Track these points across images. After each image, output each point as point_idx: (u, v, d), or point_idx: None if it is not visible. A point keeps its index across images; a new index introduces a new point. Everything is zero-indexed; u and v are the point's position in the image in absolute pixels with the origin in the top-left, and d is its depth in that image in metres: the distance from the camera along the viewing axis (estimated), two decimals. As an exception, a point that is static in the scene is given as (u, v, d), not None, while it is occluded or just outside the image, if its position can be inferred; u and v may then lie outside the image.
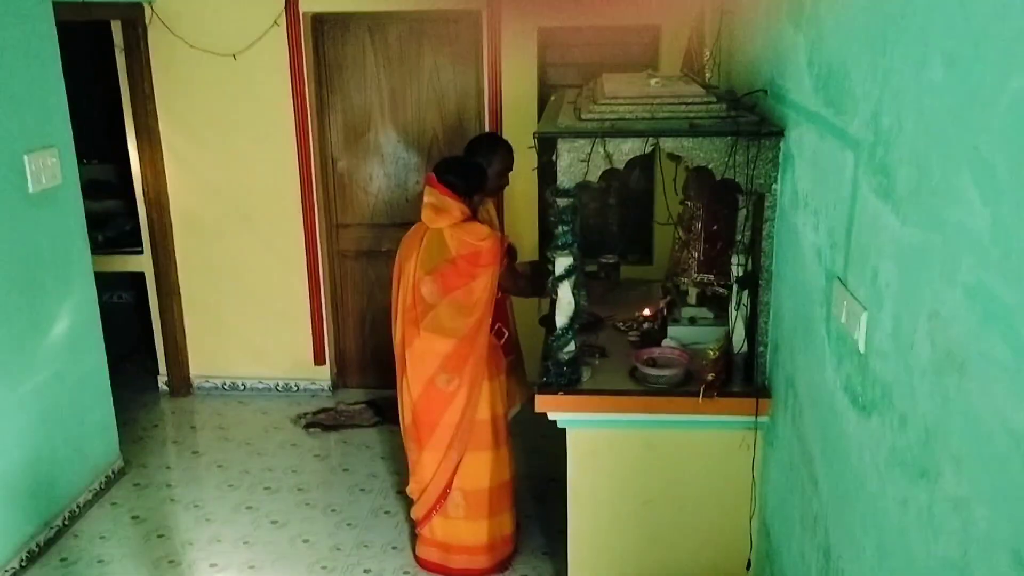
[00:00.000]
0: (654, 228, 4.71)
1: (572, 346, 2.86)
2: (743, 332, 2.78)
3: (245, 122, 4.68)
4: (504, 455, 3.40)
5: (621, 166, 2.68)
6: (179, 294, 4.99)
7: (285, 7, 4.46)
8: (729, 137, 2.60)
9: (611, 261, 3.80)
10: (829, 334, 2.08)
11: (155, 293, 4.97)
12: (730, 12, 3.37)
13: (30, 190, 3.57)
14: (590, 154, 2.66)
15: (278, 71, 4.57)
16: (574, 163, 2.68)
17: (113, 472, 4.19)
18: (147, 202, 4.78)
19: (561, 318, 2.82)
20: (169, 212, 4.84)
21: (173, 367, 5.09)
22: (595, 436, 2.93)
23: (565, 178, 2.70)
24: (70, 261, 3.90)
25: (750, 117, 2.69)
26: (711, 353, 2.76)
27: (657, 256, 4.68)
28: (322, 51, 4.69)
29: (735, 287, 2.75)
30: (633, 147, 2.66)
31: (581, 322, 2.90)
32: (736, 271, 2.73)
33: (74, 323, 3.91)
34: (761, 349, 2.79)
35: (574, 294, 2.81)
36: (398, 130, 4.79)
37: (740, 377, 2.82)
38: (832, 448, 2.06)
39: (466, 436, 3.30)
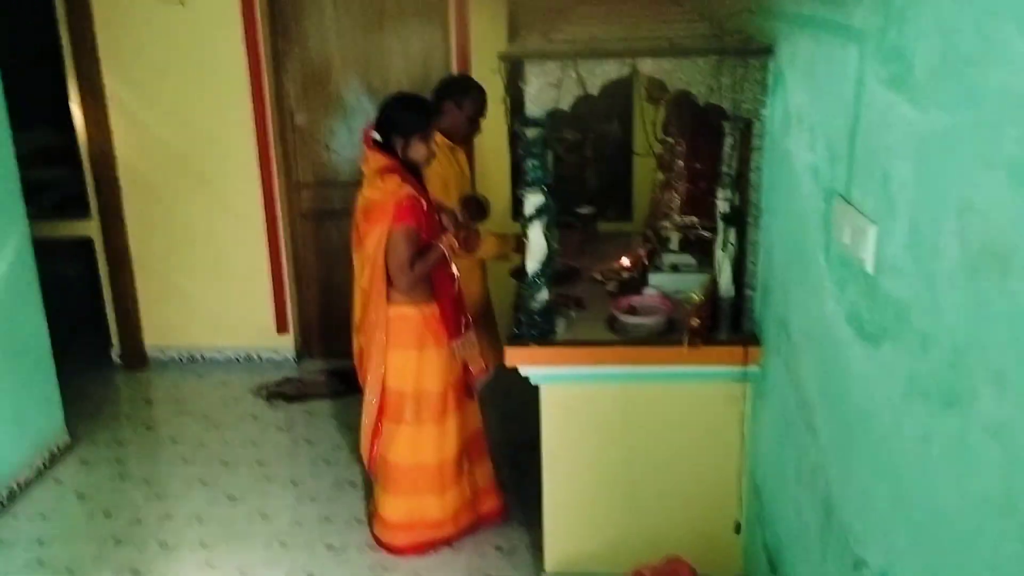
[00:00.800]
0: (633, 182, 4.47)
1: (545, 294, 2.61)
2: (730, 274, 2.54)
3: (195, 73, 4.37)
4: (431, 434, 3.05)
5: (596, 91, 2.43)
6: (130, 260, 4.68)
7: (236, -52, 4.17)
8: (713, 56, 2.36)
9: (588, 212, 3.56)
10: (829, 261, 1.85)
11: (104, 260, 4.67)
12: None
13: (-48, 141, 3.27)
14: (561, 79, 2.40)
15: (230, 17, 4.26)
16: (544, 89, 2.43)
17: (58, 448, 3.91)
18: (93, 161, 4.47)
19: (532, 263, 2.58)
20: (117, 172, 4.53)
21: (126, 339, 4.80)
22: (571, 392, 2.69)
23: (534, 106, 2.45)
24: (2, 220, 3.59)
25: (736, 36, 2.44)
26: (696, 298, 2.52)
27: (637, 211, 4.44)
28: (277, -3, 4.39)
29: (721, 225, 2.51)
30: (609, 70, 2.40)
31: (555, 268, 2.65)
32: (722, 207, 2.49)
33: (8, 288, 3.61)
34: (750, 293, 2.55)
35: (546, 236, 2.56)
36: (361, 82, 4.50)
37: (727, 324, 2.59)
38: (833, 389, 1.83)
39: (380, 402, 3.04)
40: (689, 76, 2.38)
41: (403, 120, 2.87)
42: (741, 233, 2.53)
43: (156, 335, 4.83)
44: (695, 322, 2.51)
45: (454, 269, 3.00)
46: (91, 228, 4.63)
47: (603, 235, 3.69)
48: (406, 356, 2.97)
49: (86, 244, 4.76)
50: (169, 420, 4.31)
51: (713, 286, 2.57)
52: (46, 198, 4.69)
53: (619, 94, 4.52)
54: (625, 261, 3.15)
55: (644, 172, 4.36)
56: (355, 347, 3.14)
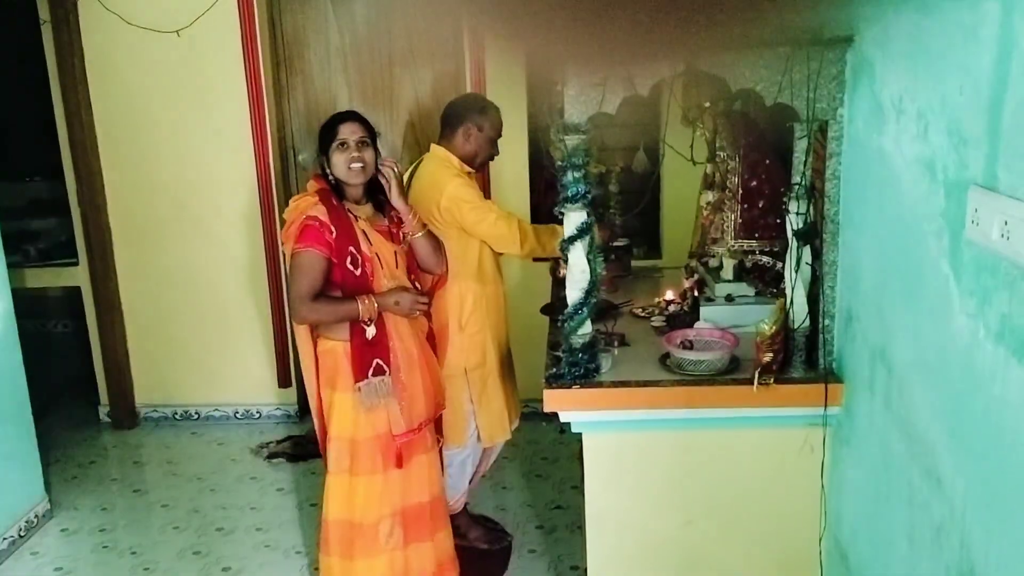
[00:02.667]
0: (661, 217, 4.17)
1: (588, 327, 2.27)
2: (805, 300, 2.20)
3: (192, 109, 4.10)
4: (359, 487, 2.58)
5: (645, 91, 2.12)
6: (121, 310, 4.35)
7: (235, -25, 3.93)
8: (782, 48, 2.06)
9: (622, 244, 3.24)
10: (958, 270, 1.51)
11: (93, 310, 4.33)
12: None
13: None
14: (606, 77, 2.10)
15: (228, 49, 4.01)
16: (585, 90, 2.12)
17: (36, 516, 3.52)
18: (81, 203, 4.16)
19: (574, 291, 2.24)
20: (107, 215, 4.22)
21: (116, 396, 4.43)
22: (619, 441, 2.33)
23: (574, 110, 2.14)
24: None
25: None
26: (767, 328, 2.17)
27: (665, 247, 4.12)
28: (279, 26, 4.14)
29: (794, 243, 2.18)
30: (661, 66, 2.09)
31: (598, 297, 2.31)
32: (795, 222, 2.16)
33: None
34: (827, 323, 2.21)
35: (589, 260, 2.23)
36: (369, 117, 4.20)
37: (801, 360, 2.24)
38: (973, 427, 1.48)
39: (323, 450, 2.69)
40: (755, 72, 2.08)
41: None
42: (814, 254, 2.20)
43: (148, 390, 4.47)
44: (767, 357, 2.16)
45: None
46: (80, 276, 4.31)
47: (636, 272, 3.37)
48: (331, 397, 2.57)
49: (75, 293, 4.44)
50: (160, 483, 3.92)
51: (785, 315, 2.22)
52: (34, 247, 4.38)
53: (644, 123, 4.26)
54: (669, 294, 2.82)
55: (673, 207, 4.06)
56: None
